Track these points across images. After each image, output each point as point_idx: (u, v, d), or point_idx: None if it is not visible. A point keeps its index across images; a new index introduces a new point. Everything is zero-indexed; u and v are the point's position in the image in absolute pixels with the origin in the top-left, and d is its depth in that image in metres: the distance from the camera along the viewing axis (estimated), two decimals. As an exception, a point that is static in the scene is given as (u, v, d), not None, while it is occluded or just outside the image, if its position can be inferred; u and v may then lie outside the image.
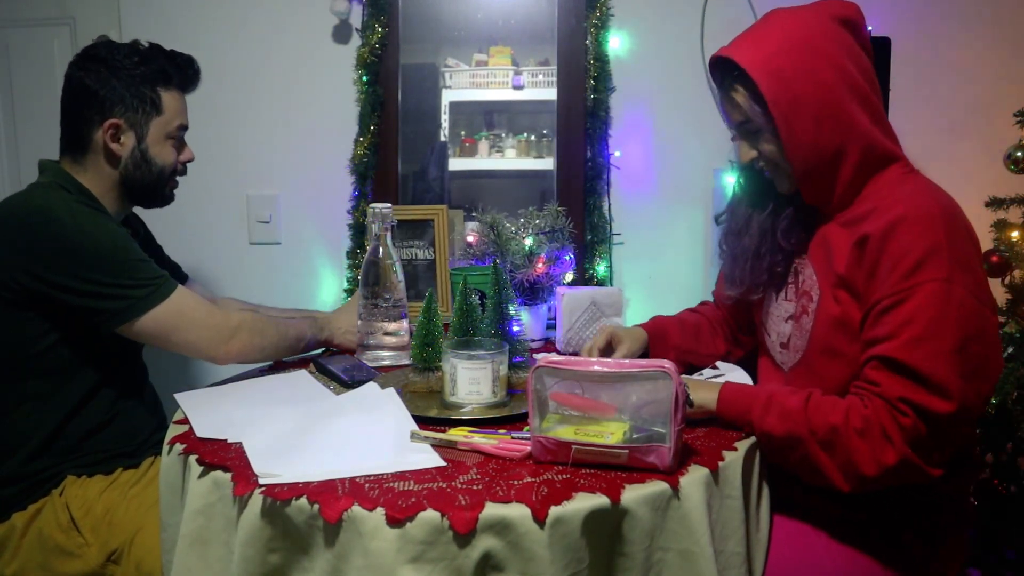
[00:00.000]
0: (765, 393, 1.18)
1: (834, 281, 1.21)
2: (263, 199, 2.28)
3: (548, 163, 2.33)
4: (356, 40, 2.20)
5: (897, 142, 1.24)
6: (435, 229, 1.93)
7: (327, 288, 2.29)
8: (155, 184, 1.53)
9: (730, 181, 2.02)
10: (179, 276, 1.77)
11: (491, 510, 0.94)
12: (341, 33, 2.22)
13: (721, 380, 1.26)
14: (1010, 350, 1.87)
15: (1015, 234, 1.88)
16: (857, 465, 1.09)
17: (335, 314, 1.77)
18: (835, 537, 1.23)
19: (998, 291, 1.93)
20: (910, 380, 1.07)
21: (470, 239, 1.85)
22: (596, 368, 1.08)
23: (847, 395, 1.14)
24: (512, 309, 1.38)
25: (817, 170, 1.21)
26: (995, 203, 1.91)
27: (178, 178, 1.59)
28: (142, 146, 1.50)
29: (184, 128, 1.56)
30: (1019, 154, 1.85)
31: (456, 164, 2.40)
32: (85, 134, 1.47)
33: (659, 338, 1.50)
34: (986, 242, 1.92)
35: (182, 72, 1.54)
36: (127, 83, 1.47)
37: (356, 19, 2.19)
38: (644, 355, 1.48)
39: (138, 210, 1.65)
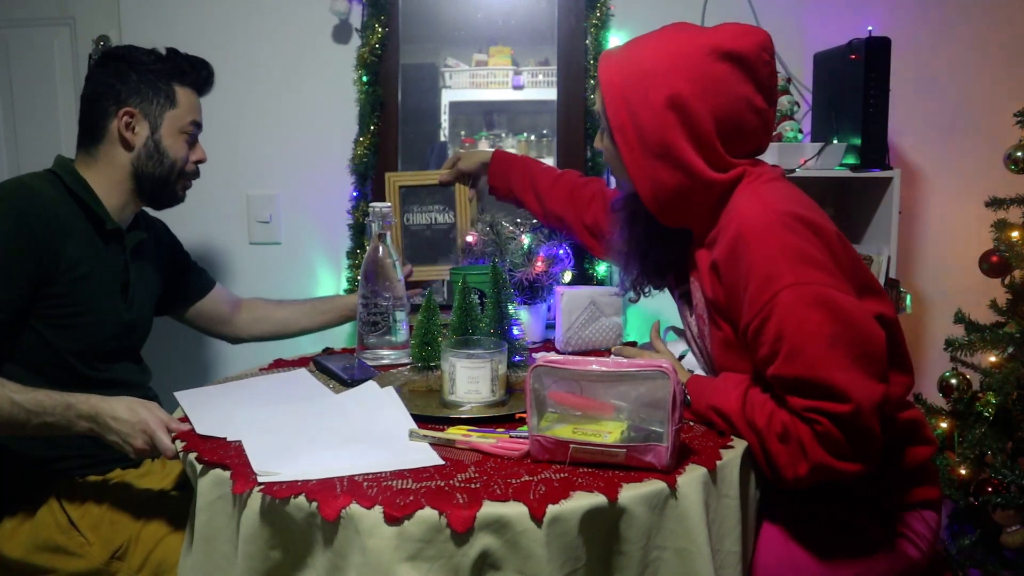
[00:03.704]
0: (706, 398, 1.21)
1: (708, 305, 1.25)
2: (263, 199, 2.28)
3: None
4: (356, 40, 2.20)
5: (736, 165, 1.21)
6: (456, 193, 1.93)
7: (327, 288, 2.29)
8: (166, 178, 1.54)
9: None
10: (206, 281, 1.78)
11: (489, 509, 0.94)
12: (341, 33, 2.22)
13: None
14: (1010, 350, 1.87)
15: (1015, 234, 1.87)
16: (779, 468, 1.11)
17: (111, 402, 1.28)
18: (812, 535, 1.23)
19: (998, 291, 1.93)
20: (806, 391, 1.07)
21: (470, 239, 1.86)
22: (594, 367, 1.08)
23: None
24: (511, 309, 1.38)
25: (667, 203, 1.23)
26: (995, 203, 1.91)
27: (192, 181, 1.60)
28: (155, 136, 1.51)
29: (197, 126, 1.58)
30: (1019, 154, 1.84)
31: (456, 164, 2.40)
32: (101, 124, 1.49)
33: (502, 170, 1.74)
34: (986, 242, 1.92)
35: (196, 71, 1.57)
36: (143, 75, 1.50)
37: (356, 19, 2.20)
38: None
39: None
